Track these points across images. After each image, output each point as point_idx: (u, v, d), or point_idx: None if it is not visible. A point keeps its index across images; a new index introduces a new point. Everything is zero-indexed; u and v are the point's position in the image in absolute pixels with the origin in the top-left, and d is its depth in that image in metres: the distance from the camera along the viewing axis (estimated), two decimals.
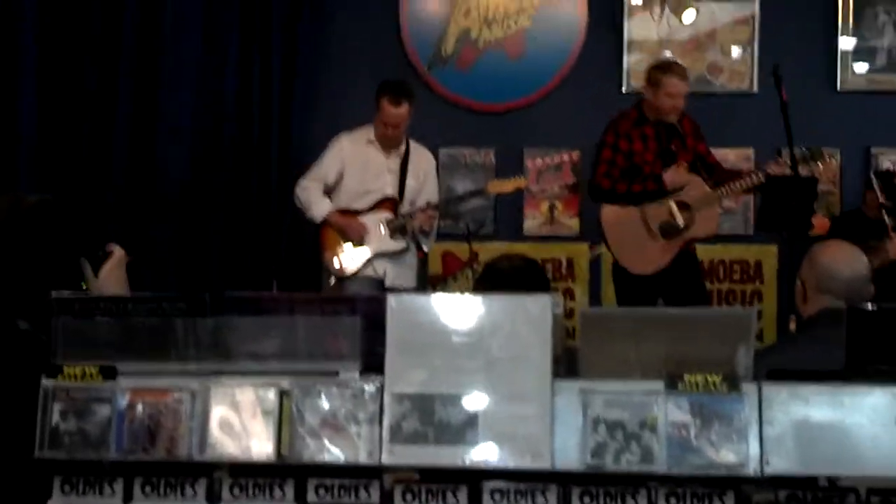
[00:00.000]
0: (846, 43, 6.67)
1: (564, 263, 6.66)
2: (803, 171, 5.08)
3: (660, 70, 5.50)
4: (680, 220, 5.36)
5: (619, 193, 5.43)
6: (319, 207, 5.67)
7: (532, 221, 6.73)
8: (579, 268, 6.66)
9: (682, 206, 5.38)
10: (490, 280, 3.25)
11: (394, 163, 5.74)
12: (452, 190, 6.52)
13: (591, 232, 6.63)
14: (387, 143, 5.69)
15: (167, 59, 6.46)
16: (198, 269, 6.45)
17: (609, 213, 5.50)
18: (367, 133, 5.72)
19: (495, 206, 6.68)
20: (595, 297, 6.51)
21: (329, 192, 5.72)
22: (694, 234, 5.40)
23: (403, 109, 5.55)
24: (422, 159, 5.85)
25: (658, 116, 5.43)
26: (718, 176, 5.48)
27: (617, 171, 5.43)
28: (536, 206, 6.74)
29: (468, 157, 6.76)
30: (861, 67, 6.67)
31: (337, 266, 5.67)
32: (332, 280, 5.69)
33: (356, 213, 5.70)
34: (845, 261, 3.24)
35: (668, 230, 5.38)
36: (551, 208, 6.73)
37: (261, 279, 6.33)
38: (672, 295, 5.26)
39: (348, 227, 5.64)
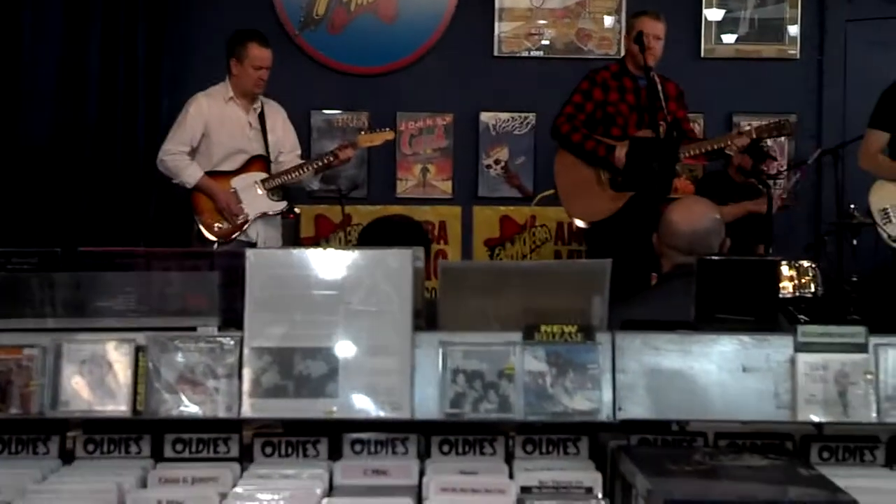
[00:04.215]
0: (712, 14, 6.85)
1: (437, 225, 6.70)
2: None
3: (634, 16, 5.61)
4: None
5: (572, 142, 5.39)
6: (189, 173, 5.49)
7: (405, 184, 6.75)
8: (452, 229, 6.71)
9: None
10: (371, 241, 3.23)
11: (253, 119, 5.65)
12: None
13: (463, 194, 6.73)
14: (251, 96, 5.60)
15: (28, 24, 6.25)
16: (62, 233, 6.27)
17: (563, 157, 5.47)
18: (224, 91, 5.62)
19: (368, 169, 6.66)
20: (467, 259, 6.56)
21: (191, 154, 5.55)
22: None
23: (270, 51, 5.53)
24: (275, 112, 5.76)
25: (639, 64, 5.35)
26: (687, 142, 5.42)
27: (582, 118, 5.41)
28: (409, 168, 6.75)
29: (342, 120, 6.72)
30: (727, 38, 6.86)
31: (216, 230, 5.50)
32: (216, 247, 5.47)
33: (227, 174, 5.54)
34: (686, 217, 3.33)
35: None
36: (424, 171, 6.75)
37: (129, 243, 6.20)
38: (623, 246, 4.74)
39: (216, 197, 5.47)
